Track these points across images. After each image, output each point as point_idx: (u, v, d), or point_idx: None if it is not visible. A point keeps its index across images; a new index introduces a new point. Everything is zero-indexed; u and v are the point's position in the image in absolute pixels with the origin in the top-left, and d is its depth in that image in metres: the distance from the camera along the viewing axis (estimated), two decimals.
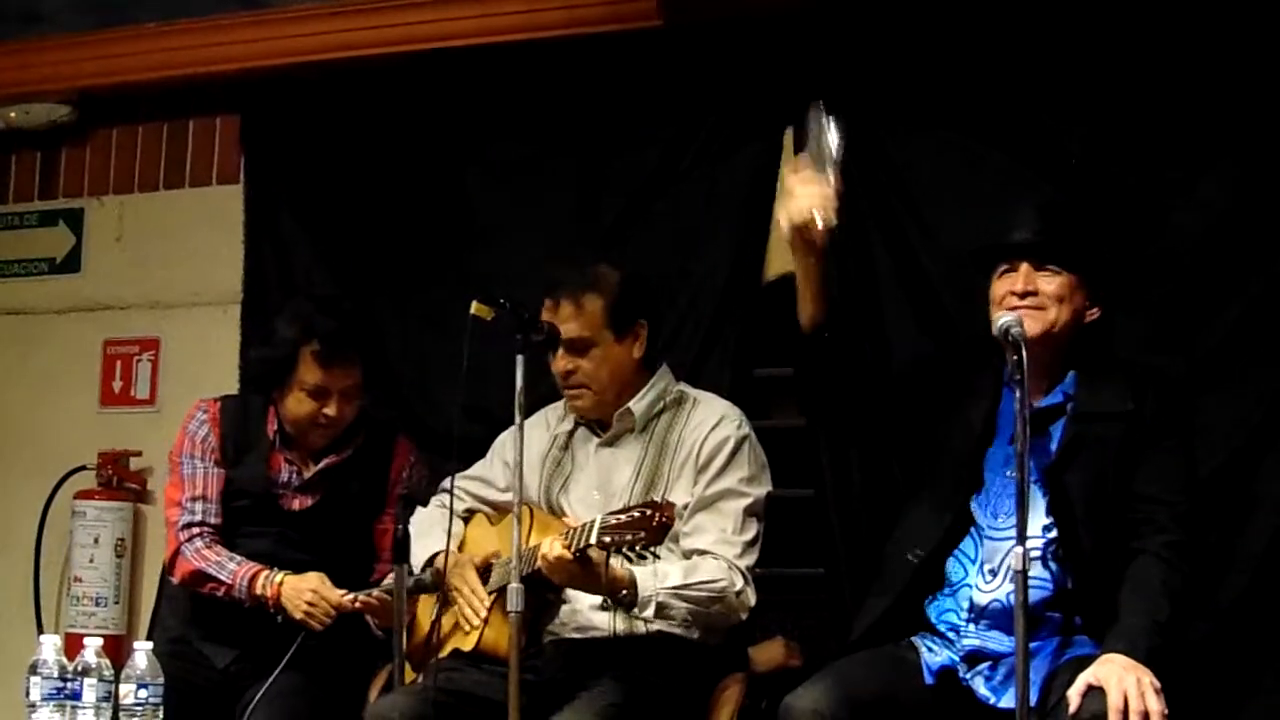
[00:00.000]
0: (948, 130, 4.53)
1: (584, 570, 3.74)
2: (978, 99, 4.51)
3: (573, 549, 3.70)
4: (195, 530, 4.37)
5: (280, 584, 4.24)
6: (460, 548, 4.23)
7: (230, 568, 4.29)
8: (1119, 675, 3.35)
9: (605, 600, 3.89)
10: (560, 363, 4.14)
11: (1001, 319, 3.58)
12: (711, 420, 4.09)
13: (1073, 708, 3.37)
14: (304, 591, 4.20)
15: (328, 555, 4.37)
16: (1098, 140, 4.36)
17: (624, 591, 3.80)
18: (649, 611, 3.83)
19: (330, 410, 4.33)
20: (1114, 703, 3.31)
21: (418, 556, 4.14)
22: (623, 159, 4.89)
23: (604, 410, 4.18)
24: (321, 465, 4.42)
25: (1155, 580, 3.54)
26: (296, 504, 4.42)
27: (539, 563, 3.77)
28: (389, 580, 4.17)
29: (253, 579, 4.26)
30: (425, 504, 4.36)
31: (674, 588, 3.85)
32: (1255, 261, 4.21)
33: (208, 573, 4.30)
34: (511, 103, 5.05)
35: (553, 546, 3.73)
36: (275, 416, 4.43)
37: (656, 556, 3.80)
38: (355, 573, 4.40)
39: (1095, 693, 3.35)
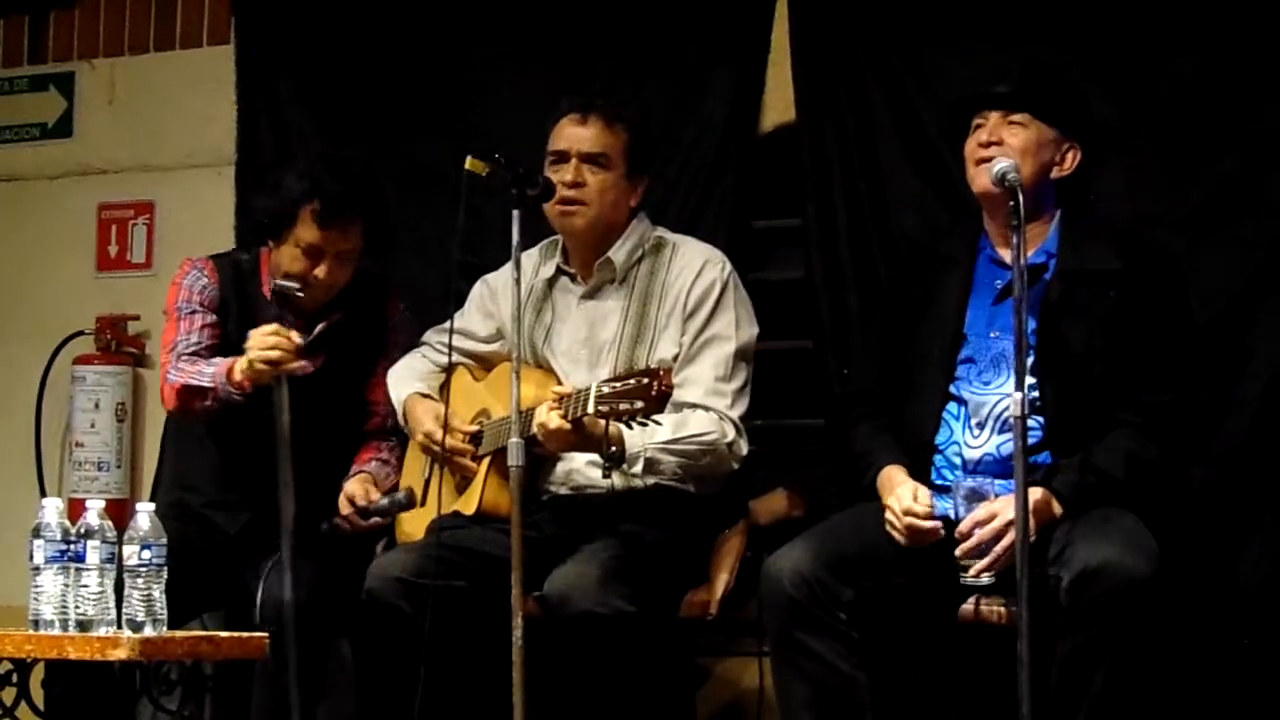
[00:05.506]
0: None
1: (579, 437, 3.72)
2: None
3: (568, 418, 3.67)
4: (179, 353, 4.26)
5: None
6: (444, 402, 4.17)
7: (209, 371, 4.15)
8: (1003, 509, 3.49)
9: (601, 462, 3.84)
10: (569, 172, 4.04)
11: (998, 165, 3.56)
12: (695, 265, 4.05)
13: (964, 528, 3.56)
14: (265, 337, 4.03)
15: (332, 417, 4.33)
16: None
17: (613, 448, 3.77)
18: (638, 468, 3.83)
19: (320, 272, 4.22)
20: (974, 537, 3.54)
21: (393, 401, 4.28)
22: (619, 7, 4.82)
23: (590, 238, 4.10)
24: (321, 327, 4.35)
25: (1121, 448, 3.59)
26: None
27: (535, 430, 3.73)
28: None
29: (229, 370, 4.10)
30: None
31: (663, 443, 3.84)
32: (1249, 110, 4.17)
33: (191, 385, 4.16)
34: None
35: (550, 417, 3.69)
36: (268, 278, 4.35)
37: (658, 423, 3.74)
38: (351, 434, 4.41)
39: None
